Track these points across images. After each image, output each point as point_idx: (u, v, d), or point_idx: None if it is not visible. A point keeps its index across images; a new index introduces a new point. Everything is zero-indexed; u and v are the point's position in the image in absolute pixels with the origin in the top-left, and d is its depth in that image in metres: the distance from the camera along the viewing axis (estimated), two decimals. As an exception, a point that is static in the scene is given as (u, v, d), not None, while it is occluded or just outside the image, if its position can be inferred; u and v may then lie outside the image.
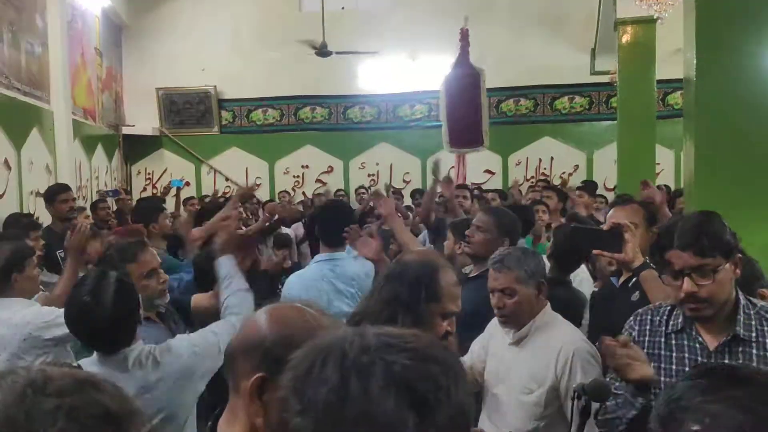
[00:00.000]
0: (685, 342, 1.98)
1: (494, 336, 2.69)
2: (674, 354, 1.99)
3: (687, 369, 1.93)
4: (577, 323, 2.90)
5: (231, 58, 10.46)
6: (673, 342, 2.01)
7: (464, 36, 6.87)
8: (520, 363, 2.50)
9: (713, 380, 0.97)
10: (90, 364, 2.17)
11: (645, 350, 2.04)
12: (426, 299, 1.84)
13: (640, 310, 2.15)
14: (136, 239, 3.19)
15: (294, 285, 3.30)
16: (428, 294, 1.85)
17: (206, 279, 3.41)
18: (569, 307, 3.12)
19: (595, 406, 1.90)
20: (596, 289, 3.81)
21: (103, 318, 2.10)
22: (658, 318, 2.07)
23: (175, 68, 10.48)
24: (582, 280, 3.71)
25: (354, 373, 0.81)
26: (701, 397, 0.94)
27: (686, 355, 1.97)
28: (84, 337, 2.25)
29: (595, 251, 2.69)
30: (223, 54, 10.45)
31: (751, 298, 1.99)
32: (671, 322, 2.03)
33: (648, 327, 2.08)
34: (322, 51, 9.48)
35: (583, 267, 3.81)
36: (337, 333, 0.89)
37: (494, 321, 2.72)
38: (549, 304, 2.57)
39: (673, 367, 1.98)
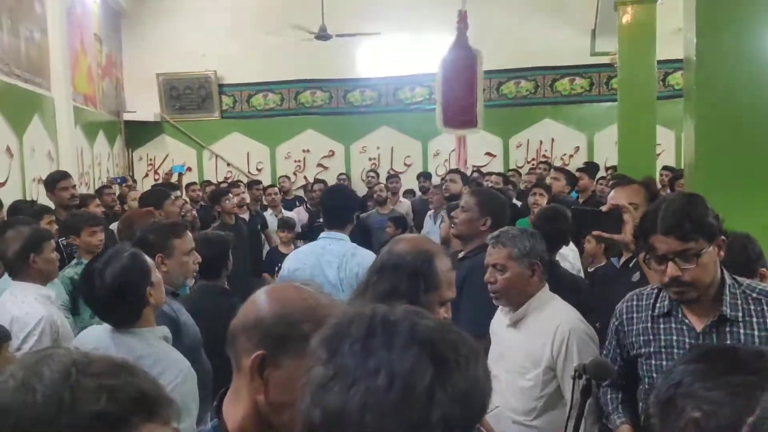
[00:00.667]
0: (673, 324, 2.00)
1: (496, 318, 2.73)
2: (663, 337, 2.01)
3: (676, 351, 1.96)
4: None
5: (231, 43, 10.42)
6: (661, 325, 2.02)
7: (462, 18, 6.83)
8: (517, 344, 2.53)
9: (712, 365, 0.98)
10: (103, 331, 2.28)
11: (634, 336, 2.08)
12: (425, 289, 1.81)
13: (627, 296, 2.17)
14: (181, 219, 3.32)
15: (290, 258, 3.49)
16: (427, 284, 1.81)
17: (207, 265, 3.46)
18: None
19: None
20: (590, 270, 3.85)
21: (104, 289, 2.20)
22: (644, 302, 2.09)
23: (175, 54, 10.44)
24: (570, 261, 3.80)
25: (380, 329, 0.85)
26: (701, 382, 0.94)
27: (674, 337, 1.99)
28: (90, 306, 2.38)
29: (594, 232, 2.71)
30: (223, 39, 10.41)
31: (737, 278, 1.99)
32: (658, 305, 2.04)
33: (634, 312, 2.10)
34: (322, 34, 9.45)
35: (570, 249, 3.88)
36: (365, 306, 0.93)
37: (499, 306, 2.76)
38: (547, 285, 2.61)
39: (663, 349, 2.00)
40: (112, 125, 10.19)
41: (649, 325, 2.04)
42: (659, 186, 6.80)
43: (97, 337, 2.28)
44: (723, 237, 1.92)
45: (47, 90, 7.50)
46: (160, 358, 2.21)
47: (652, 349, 2.03)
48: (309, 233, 6.99)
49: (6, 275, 3.18)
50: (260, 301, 1.23)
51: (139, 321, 2.27)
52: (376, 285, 1.87)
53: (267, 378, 1.16)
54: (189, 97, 10.82)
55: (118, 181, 8.70)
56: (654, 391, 1.02)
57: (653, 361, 2.02)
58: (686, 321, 1.97)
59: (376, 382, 0.81)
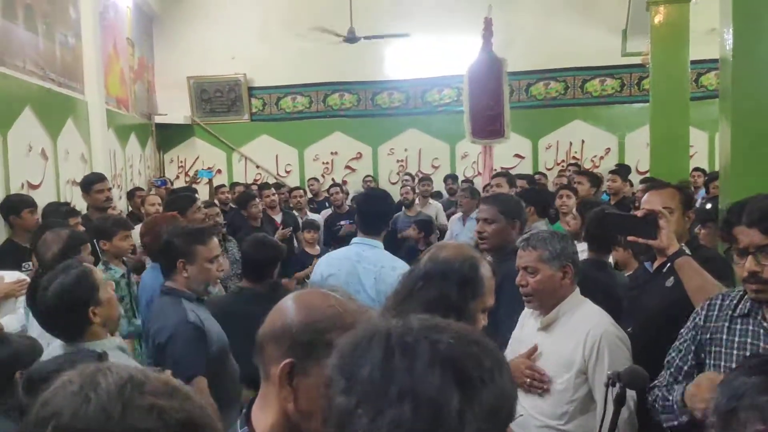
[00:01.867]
0: (751, 326, 1.95)
1: (525, 324, 2.71)
2: (736, 338, 1.96)
3: (748, 353, 1.91)
4: (617, 307, 2.88)
5: (260, 46, 10.51)
6: (738, 326, 1.97)
7: (488, 25, 6.80)
8: (548, 348, 2.51)
9: None
10: (58, 348, 2.27)
11: (708, 334, 2.03)
12: (471, 297, 1.84)
13: (711, 296, 2.12)
14: (208, 225, 3.32)
15: (322, 262, 3.42)
16: (473, 291, 1.85)
17: (254, 268, 3.48)
18: (608, 289, 3.13)
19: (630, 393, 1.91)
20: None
21: (46, 303, 2.22)
22: (728, 302, 2.04)
23: (206, 57, 10.56)
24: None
25: (399, 351, 0.82)
26: (764, 396, 0.93)
27: (749, 339, 1.94)
28: (36, 318, 2.37)
29: (629, 238, 2.67)
30: (253, 42, 10.50)
31: None
32: (740, 306, 1.99)
33: (716, 311, 2.05)
34: (350, 37, 9.47)
35: None
36: (378, 320, 0.91)
37: (526, 310, 2.73)
38: (578, 288, 2.58)
39: (734, 351, 1.95)
40: (143, 128, 10.33)
41: (727, 324, 2.00)
42: (692, 188, 6.69)
43: (53, 349, 2.28)
44: None
45: (81, 93, 7.62)
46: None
47: (724, 349, 1.98)
48: (327, 236, 7.03)
49: None
50: (287, 308, 1.22)
51: (83, 336, 2.25)
52: (421, 292, 1.86)
53: (296, 386, 1.16)
54: (219, 100, 10.94)
55: (159, 183, 8.80)
56: (713, 402, 1.00)
57: (723, 362, 1.97)
58: (764, 324, 1.92)
59: (402, 411, 0.78)
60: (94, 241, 4.23)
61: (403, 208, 7.62)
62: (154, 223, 4.02)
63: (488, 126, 6.77)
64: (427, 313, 1.79)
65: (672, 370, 2.09)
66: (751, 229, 1.82)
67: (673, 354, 2.12)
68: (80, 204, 5.82)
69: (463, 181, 9.57)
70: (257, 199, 6.50)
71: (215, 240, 2.97)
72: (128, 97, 9.54)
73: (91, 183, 5.18)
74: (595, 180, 6.30)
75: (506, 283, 2.90)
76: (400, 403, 0.78)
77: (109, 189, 5.22)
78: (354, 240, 3.39)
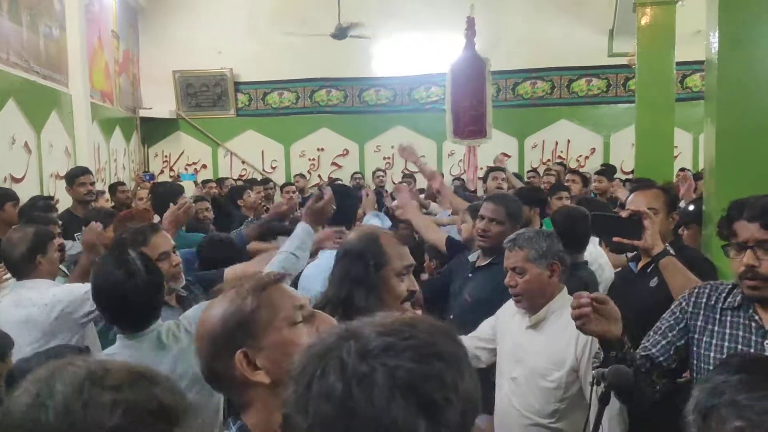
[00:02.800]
0: (741, 319, 1.95)
1: (507, 320, 2.71)
2: (727, 331, 1.96)
3: (739, 347, 1.91)
4: None
5: (247, 41, 10.46)
6: (728, 318, 1.97)
7: (470, 24, 6.79)
8: (538, 346, 2.51)
9: (758, 375, 0.97)
10: (120, 348, 2.19)
11: (698, 324, 2.02)
12: (375, 267, 1.91)
13: (699, 285, 2.12)
14: (150, 223, 3.20)
15: (309, 277, 3.18)
16: (375, 261, 1.92)
17: (209, 267, 3.43)
18: (587, 287, 3.14)
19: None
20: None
21: (137, 290, 2.13)
22: (716, 294, 2.03)
23: (192, 51, 10.50)
24: (601, 265, 3.72)
25: (356, 383, 0.78)
26: (746, 393, 0.94)
27: (740, 332, 1.93)
28: (114, 314, 2.23)
29: (615, 239, 2.68)
30: (240, 37, 10.44)
31: None
32: (729, 299, 1.99)
33: (704, 301, 2.04)
34: (338, 33, 9.44)
35: (601, 251, 3.82)
36: (330, 336, 0.86)
37: (508, 304, 2.74)
38: (566, 288, 2.59)
39: (725, 344, 1.95)
40: (128, 122, 10.25)
41: (718, 315, 2.00)
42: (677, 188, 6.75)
43: (127, 356, 2.16)
44: None
45: (65, 86, 7.55)
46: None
47: (715, 341, 1.98)
48: None
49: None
50: (207, 317, 1.27)
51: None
52: (333, 274, 2.02)
53: (261, 365, 1.21)
54: (205, 95, 10.87)
55: (146, 178, 8.73)
56: (692, 401, 1.00)
57: (711, 353, 1.97)
58: (756, 318, 1.91)
59: None
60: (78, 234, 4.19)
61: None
62: (124, 219, 3.86)
63: (470, 125, 6.77)
64: (343, 291, 1.83)
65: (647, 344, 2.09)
66: (752, 224, 1.84)
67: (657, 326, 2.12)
68: (64, 198, 5.76)
69: (454, 179, 9.59)
70: (249, 191, 6.48)
71: (160, 235, 2.75)
72: (113, 91, 9.45)
73: (75, 176, 5.13)
74: (585, 180, 6.36)
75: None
76: None
77: (93, 183, 5.16)
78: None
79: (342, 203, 3.37)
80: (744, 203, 1.89)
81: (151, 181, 8.44)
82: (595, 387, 1.84)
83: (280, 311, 1.25)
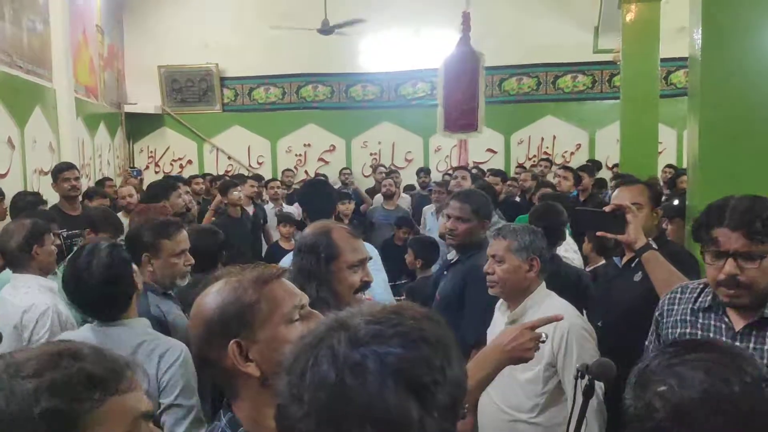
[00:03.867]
0: (712, 321, 1.95)
1: (496, 319, 2.74)
2: (699, 332, 1.96)
3: None
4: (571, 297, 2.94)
5: (233, 36, 10.40)
6: (700, 320, 1.98)
7: (466, 19, 6.82)
8: None
9: (678, 348, 1.03)
10: (86, 330, 2.29)
11: (671, 328, 2.04)
12: (326, 260, 1.97)
13: (673, 288, 2.13)
14: (176, 219, 3.29)
15: (285, 262, 3.34)
16: (326, 254, 1.98)
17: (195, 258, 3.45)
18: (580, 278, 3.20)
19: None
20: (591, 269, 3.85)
21: (95, 281, 2.22)
22: (687, 295, 2.04)
23: (177, 46, 10.43)
24: (570, 257, 3.81)
25: (348, 371, 0.81)
26: (668, 361, 0.99)
27: (711, 334, 1.93)
28: (79, 303, 2.36)
29: (598, 233, 2.71)
30: (225, 31, 10.39)
31: None
32: (700, 299, 1.99)
33: (676, 304, 2.06)
34: (324, 28, 9.42)
35: (571, 242, 3.90)
36: (320, 327, 0.88)
37: (497, 305, 2.77)
38: (544, 283, 2.62)
39: None
40: (113, 117, 10.18)
41: (688, 317, 2.00)
42: (661, 183, 6.81)
43: (83, 338, 2.24)
44: None
45: (49, 81, 7.48)
46: (160, 341, 2.24)
47: None
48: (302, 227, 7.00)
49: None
50: (204, 302, 1.27)
51: (127, 311, 2.30)
52: (292, 268, 2.05)
53: (253, 357, 1.22)
54: (190, 90, 10.81)
55: (134, 174, 8.67)
56: (630, 379, 1.05)
57: None
58: (726, 319, 1.91)
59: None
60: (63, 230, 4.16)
61: (384, 201, 7.60)
62: (145, 213, 3.87)
63: (462, 120, 6.79)
64: (296, 285, 1.91)
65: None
66: (735, 233, 1.78)
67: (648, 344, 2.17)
68: (48, 193, 5.72)
69: (444, 175, 9.59)
70: (239, 186, 6.46)
71: (183, 233, 2.88)
72: (97, 86, 9.38)
73: (59, 171, 5.11)
74: (577, 177, 6.41)
75: (470, 280, 2.97)
76: (362, 425, 0.79)
77: (77, 178, 5.13)
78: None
79: (316, 198, 3.45)
80: (723, 209, 1.83)
81: (138, 177, 8.39)
82: (579, 380, 1.86)
83: (279, 307, 1.25)
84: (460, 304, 3.02)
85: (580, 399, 1.88)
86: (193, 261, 2.88)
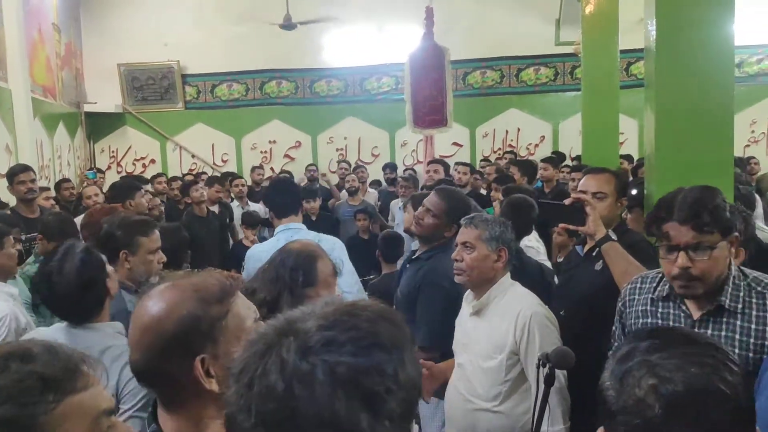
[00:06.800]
0: (671, 310, 1.99)
1: (464, 308, 2.76)
2: (659, 321, 2.00)
3: None
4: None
5: (194, 32, 10.26)
6: (659, 309, 2.01)
7: (429, 14, 6.83)
8: (481, 331, 2.58)
9: (664, 340, 1.03)
10: (56, 330, 2.27)
11: (632, 318, 2.08)
12: (303, 284, 2.07)
13: (633, 278, 2.18)
14: (155, 219, 3.28)
15: (250, 258, 3.36)
16: (306, 279, 2.08)
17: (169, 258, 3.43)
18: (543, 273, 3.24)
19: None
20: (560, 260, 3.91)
21: (66, 284, 2.20)
22: (647, 285, 2.08)
23: (137, 43, 10.25)
24: (536, 248, 3.88)
25: (297, 381, 0.79)
26: (656, 353, 0.99)
27: (670, 322, 1.97)
28: (50, 305, 2.37)
29: (561, 225, 2.75)
30: (186, 27, 10.24)
31: (745, 270, 1.95)
32: (658, 288, 2.03)
33: (636, 294, 2.10)
34: (287, 24, 9.35)
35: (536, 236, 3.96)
36: (269, 331, 0.86)
37: (467, 293, 2.79)
38: (509, 273, 2.65)
39: None
40: (72, 117, 9.98)
41: (648, 307, 2.04)
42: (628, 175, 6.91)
43: (51, 338, 2.24)
44: (736, 234, 1.88)
45: (4, 81, 7.31)
46: (126, 348, 2.20)
47: None
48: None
49: None
50: (156, 311, 1.21)
51: (99, 316, 2.27)
52: (265, 272, 2.17)
53: (214, 373, 1.18)
54: (151, 88, 10.64)
55: (91, 176, 8.49)
56: (607, 370, 1.04)
57: None
58: (683, 307, 1.96)
59: None
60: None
61: (348, 197, 7.61)
62: (93, 216, 3.85)
63: (430, 115, 6.82)
64: (272, 290, 1.99)
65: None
66: (684, 227, 1.82)
67: (612, 341, 2.21)
68: (6, 196, 5.60)
69: (405, 170, 9.62)
70: (199, 184, 6.40)
71: (157, 232, 2.94)
72: (55, 85, 9.19)
73: (14, 174, 5.00)
74: (528, 168, 6.46)
75: (424, 284, 2.99)
76: None
77: (33, 180, 5.03)
78: (279, 228, 3.38)
79: (281, 196, 3.47)
80: (672, 202, 1.86)
81: (94, 180, 8.24)
82: (541, 368, 1.90)
83: (244, 321, 1.23)
84: (414, 307, 3.03)
85: (542, 387, 1.91)
86: (165, 259, 2.91)
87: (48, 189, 6.37)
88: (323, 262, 2.14)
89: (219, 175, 8.37)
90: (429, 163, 6.33)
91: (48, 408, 0.81)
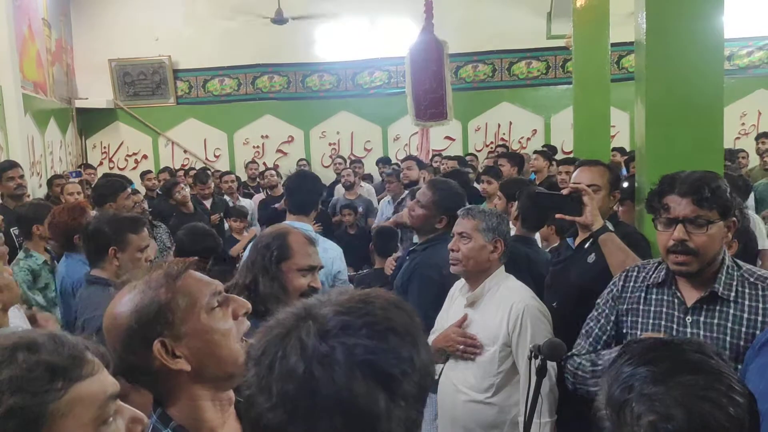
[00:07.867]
0: (665, 296, 2.01)
1: (454, 300, 2.78)
2: (652, 308, 2.02)
3: (663, 323, 1.98)
4: (541, 281, 3.01)
5: (185, 27, 10.23)
6: (653, 296, 2.04)
7: (428, 7, 6.83)
8: (475, 323, 2.60)
9: (665, 367, 1.01)
10: None
11: (626, 304, 2.09)
12: (277, 259, 2.11)
13: (629, 266, 2.19)
14: (144, 218, 3.27)
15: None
16: (279, 254, 2.12)
17: None
18: (533, 265, 3.27)
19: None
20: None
21: None
22: (644, 273, 2.10)
23: (128, 38, 10.21)
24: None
25: (316, 363, 0.82)
26: (654, 386, 0.97)
27: (663, 309, 2.00)
28: None
29: (557, 215, 2.77)
30: (177, 23, 10.21)
31: (739, 261, 1.99)
32: (653, 275, 2.05)
33: (632, 282, 2.11)
34: (278, 18, 9.33)
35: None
36: (289, 317, 0.88)
37: (454, 287, 2.81)
38: (503, 266, 2.67)
39: (650, 320, 2.02)
40: (63, 113, 9.93)
41: (643, 294, 2.06)
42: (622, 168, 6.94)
43: None
44: (734, 219, 1.92)
45: (-6, 77, 7.27)
46: None
47: (641, 318, 2.05)
48: (263, 216, 7.02)
49: None
50: (116, 312, 1.25)
51: None
52: (247, 259, 2.25)
53: (181, 353, 1.22)
54: (143, 83, 10.60)
55: (73, 175, 8.43)
56: (603, 394, 1.03)
57: (639, 331, 2.04)
58: (678, 294, 1.98)
59: (333, 422, 0.80)
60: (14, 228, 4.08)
61: (343, 190, 7.61)
62: (56, 216, 3.73)
63: (431, 108, 6.83)
64: (249, 276, 2.06)
65: (591, 339, 2.15)
66: (684, 199, 1.87)
67: (591, 324, 2.18)
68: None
69: (392, 164, 9.61)
70: (181, 184, 6.39)
71: (146, 229, 2.94)
72: (46, 81, 9.14)
73: (2, 170, 4.99)
74: (516, 160, 6.49)
75: (414, 277, 3.01)
76: (330, 416, 0.80)
77: (21, 176, 5.02)
78: (285, 222, 3.38)
79: (304, 191, 3.46)
80: (675, 178, 1.92)
81: (78, 178, 8.19)
82: (532, 360, 1.91)
83: (197, 298, 1.25)
84: (407, 297, 3.06)
85: (534, 378, 1.93)
86: (152, 257, 2.90)
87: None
88: (294, 235, 2.19)
89: (199, 173, 8.35)
90: (403, 160, 6.37)
91: (57, 396, 0.83)
